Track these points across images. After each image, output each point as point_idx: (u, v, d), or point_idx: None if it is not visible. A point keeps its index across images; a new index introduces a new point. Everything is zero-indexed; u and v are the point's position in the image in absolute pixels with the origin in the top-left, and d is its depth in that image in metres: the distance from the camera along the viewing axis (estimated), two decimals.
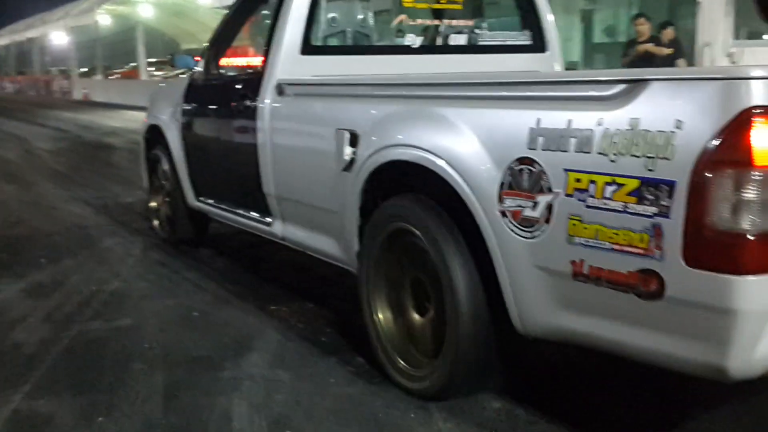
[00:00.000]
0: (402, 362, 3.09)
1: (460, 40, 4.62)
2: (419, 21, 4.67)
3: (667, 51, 9.79)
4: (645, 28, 10.06)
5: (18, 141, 14.92)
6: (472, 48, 4.64)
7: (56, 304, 4.38)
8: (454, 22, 4.62)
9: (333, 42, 4.38)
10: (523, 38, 4.73)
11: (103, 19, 37.17)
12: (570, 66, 15.66)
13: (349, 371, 3.30)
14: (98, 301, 4.43)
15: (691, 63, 10.55)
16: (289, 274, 4.94)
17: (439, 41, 4.65)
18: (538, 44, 4.78)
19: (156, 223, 5.96)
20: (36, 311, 4.27)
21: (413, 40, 4.49)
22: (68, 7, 41.61)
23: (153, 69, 34.29)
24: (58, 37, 43.03)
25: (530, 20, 4.75)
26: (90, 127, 18.59)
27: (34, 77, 47.84)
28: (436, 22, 4.67)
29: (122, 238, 6.08)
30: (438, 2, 4.57)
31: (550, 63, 4.80)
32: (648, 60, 9.47)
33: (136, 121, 18.04)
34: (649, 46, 9.85)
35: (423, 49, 4.52)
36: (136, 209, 7.19)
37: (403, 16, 4.64)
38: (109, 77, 37.23)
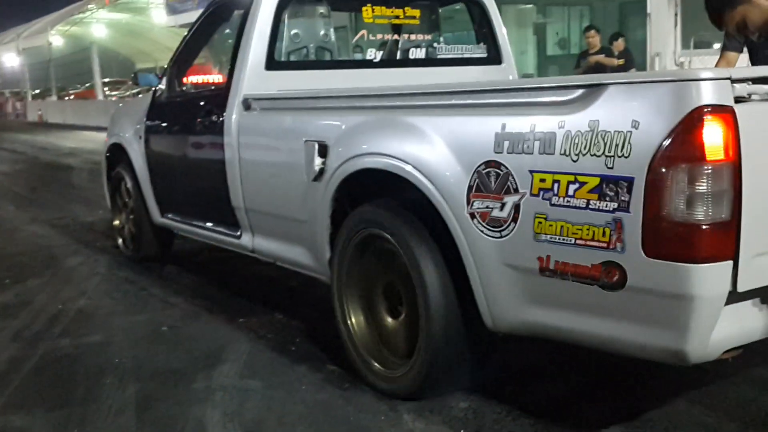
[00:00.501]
0: (376, 365, 3.18)
1: (418, 53, 4.76)
2: (379, 36, 4.79)
3: (617, 62, 10.06)
4: (596, 39, 10.32)
5: None
6: (430, 61, 4.78)
7: (24, 324, 4.39)
8: (413, 37, 4.75)
9: (296, 57, 4.46)
10: (479, 51, 4.90)
11: (56, 40, 36.88)
12: (525, 77, 15.96)
13: (320, 378, 3.37)
14: (66, 319, 4.44)
15: None
16: (258, 287, 4.99)
17: (398, 55, 4.77)
18: (494, 56, 4.94)
19: (120, 241, 5.98)
20: (3, 331, 4.27)
21: (374, 54, 4.62)
22: (20, 29, 41.20)
23: (108, 89, 34.05)
24: (10, 58, 42.54)
25: (485, 34, 4.92)
26: (47, 148, 18.43)
27: None
28: (395, 36, 4.79)
29: (86, 257, 6.09)
30: (396, 18, 4.69)
31: (505, 74, 4.96)
32: (599, 71, 9.70)
33: (93, 141, 17.98)
34: (600, 57, 10.10)
35: (383, 63, 4.65)
36: (98, 228, 7.19)
37: (363, 32, 4.76)
38: (64, 98, 36.89)
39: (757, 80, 2.21)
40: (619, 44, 10.40)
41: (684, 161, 2.11)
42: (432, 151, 2.81)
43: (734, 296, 2.19)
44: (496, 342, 2.89)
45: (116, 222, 6.03)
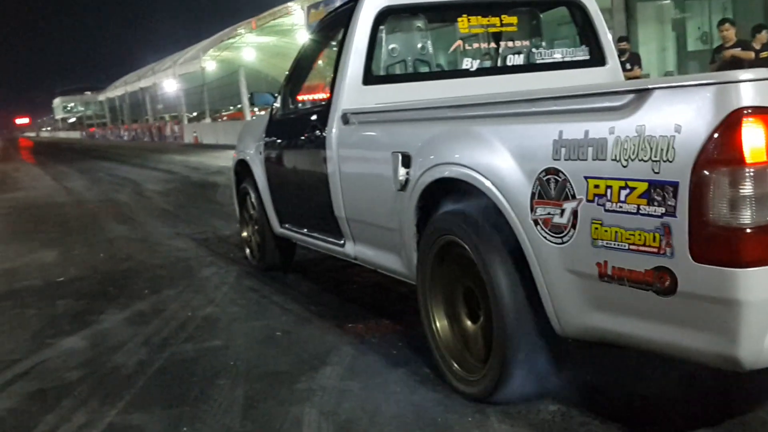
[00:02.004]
0: (458, 367, 3.28)
1: (517, 60, 4.78)
2: (476, 45, 4.85)
3: (752, 55, 9.63)
4: (730, 33, 9.94)
5: (131, 184, 15.80)
6: (530, 67, 4.77)
7: (155, 330, 4.74)
8: (511, 44, 4.78)
9: (394, 71, 4.58)
10: (581, 54, 4.83)
11: (209, 65, 38.79)
12: (666, 75, 15.46)
13: (415, 380, 3.48)
14: (192, 326, 4.76)
15: None
16: (369, 293, 5.17)
17: (497, 62, 4.81)
18: (597, 58, 4.88)
19: (248, 251, 6.36)
20: (136, 337, 4.63)
21: (471, 63, 4.67)
22: (176, 56, 43.58)
23: (257, 109, 35.45)
24: (168, 84, 45.06)
25: (587, 35, 4.86)
26: (198, 168, 19.46)
27: (148, 124, 50.14)
28: (493, 45, 4.84)
29: (219, 268, 6.47)
30: (493, 26, 4.73)
31: (611, 75, 4.88)
32: (736, 65, 9.33)
33: None
34: (736, 51, 9.72)
35: (481, 72, 4.69)
36: (233, 241, 7.59)
37: (459, 42, 4.83)
38: (218, 120, 38.76)
39: None
40: (762, 37, 9.95)
41: (724, 164, 2.10)
42: (498, 159, 2.89)
43: None
44: (569, 347, 2.91)
45: (244, 234, 6.42)
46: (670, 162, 2.21)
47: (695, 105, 2.18)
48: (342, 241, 4.54)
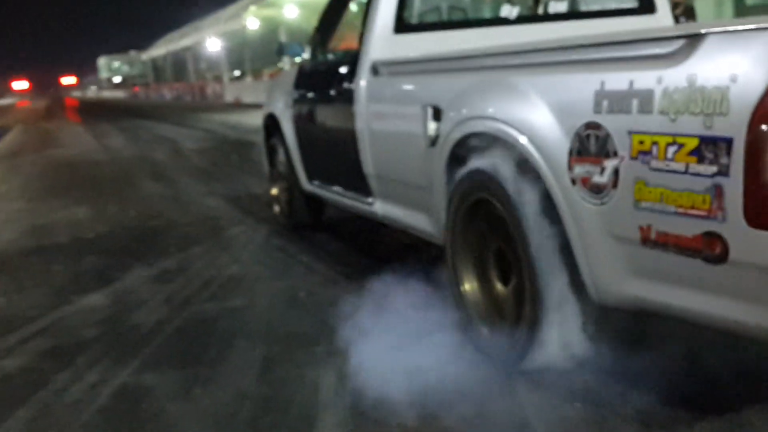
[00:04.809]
0: (487, 331, 3.09)
1: (560, 7, 4.49)
2: None
3: None
4: None
5: (169, 143, 15.76)
6: (573, 15, 4.47)
7: (177, 289, 4.61)
8: None
9: (428, 19, 4.35)
10: (629, 1, 4.52)
11: (251, 22, 38.55)
12: None
13: (440, 345, 3.25)
14: (216, 285, 4.62)
15: None
16: (399, 254, 4.95)
17: (537, 10, 4.54)
18: (646, 5, 4.54)
19: (277, 208, 6.17)
20: (157, 295, 4.50)
21: (510, 11, 4.41)
22: (218, 14, 43.44)
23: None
24: (211, 43, 45.00)
25: None
26: (236, 126, 19.36)
27: (190, 84, 50.30)
28: None
29: (248, 226, 6.32)
30: None
31: (661, 24, 4.52)
32: None
33: None
34: None
35: (521, 20, 4.41)
36: (264, 199, 7.42)
37: None
38: (259, 79, 38.63)
39: None
40: None
41: None
42: (533, 112, 2.67)
43: None
44: (607, 316, 2.67)
45: (273, 191, 6.22)
46: (725, 116, 1.97)
47: (754, 52, 1.94)
48: (370, 200, 4.35)
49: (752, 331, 2.08)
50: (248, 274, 4.82)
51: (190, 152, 13.52)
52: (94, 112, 39.22)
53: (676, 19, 8.56)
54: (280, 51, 5.84)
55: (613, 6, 4.52)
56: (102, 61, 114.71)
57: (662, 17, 4.59)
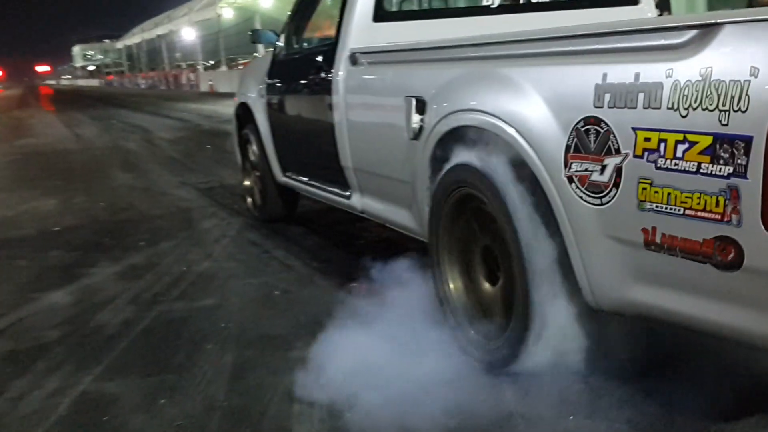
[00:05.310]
0: (473, 333, 2.93)
1: None
2: None
3: None
4: None
5: (142, 132, 15.45)
6: (555, 4, 4.34)
7: (146, 286, 4.39)
8: None
9: (408, 6, 4.22)
10: None
11: (225, 12, 38.13)
12: None
13: (424, 347, 3.06)
14: (186, 282, 4.41)
15: None
16: (378, 250, 4.75)
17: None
18: None
19: (249, 201, 6.02)
20: (124, 293, 4.28)
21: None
22: (192, 3, 42.97)
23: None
24: (185, 32, 44.53)
25: None
26: (211, 116, 19.06)
27: (164, 72, 49.78)
28: None
29: (221, 219, 6.11)
30: None
31: (644, 15, 4.43)
32: None
33: None
34: None
35: (503, 9, 4.28)
36: (238, 191, 7.20)
37: None
38: (233, 68, 38.22)
39: None
40: None
41: None
42: (527, 106, 2.50)
43: None
44: (601, 320, 2.50)
45: (246, 182, 6.06)
46: (743, 112, 1.80)
47: None
48: (348, 193, 4.19)
49: (766, 342, 1.94)
50: (220, 271, 4.61)
51: (163, 142, 13.23)
52: (68, 100, 38.62)
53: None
54: (254, 38, 5.64)
55: None
56: (76, 50, 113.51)
57: (645, 8, 4.48)
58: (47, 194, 8.03)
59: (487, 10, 4.27)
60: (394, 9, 4.21)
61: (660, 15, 10.17)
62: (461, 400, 2.61)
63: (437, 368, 2.84)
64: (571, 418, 2.49)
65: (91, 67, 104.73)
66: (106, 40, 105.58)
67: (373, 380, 2.79)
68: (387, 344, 3.16)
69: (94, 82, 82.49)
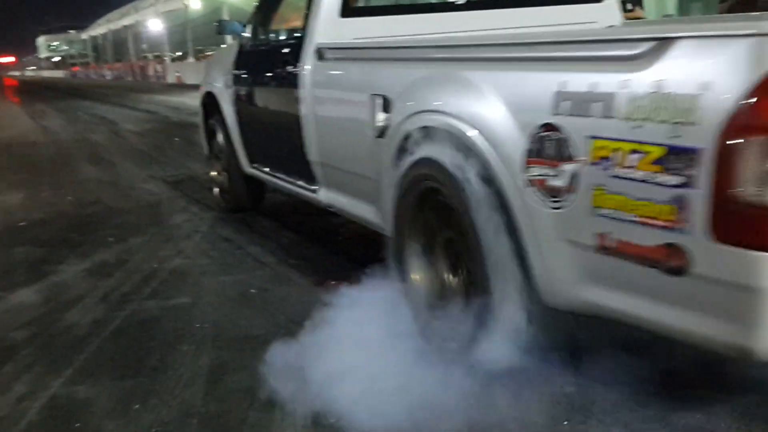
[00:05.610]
0: (434, 322, 2.91)
1: None
2: None
3: None
4: None
5: (108, 124, 15.19)
6: (522, 2, 4.33)
7: (116, 284, 4.26)
8: None
9: (375, 2, 4.27)
10: None
11: (192, 2, 37.71)
12: (666, 17, 14.79)
13: (402, 343, 2.99)
14: (158, 279, 4.29)
15: None
16: (355, 246, 4.68)
17: None
18: None
19: (216, 191, 5.98)
20: (94, 291, 4.15)
21: None
22: None
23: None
24: (152, 23, 43.98)
25: None
26: (179, 108, 18.78)
27: (131, 64, 49.16)
28: None
29: (192, 214, 5.97)
30: None
31: (606, 13, 4.47)
32: (750, 4, 8.76)
33: None
34: None
35: (471, 5, 4.26)
36: (208, 185, 7.07)
37: None
38: (201, 59, 37.79)
39: None
40: None
41: (759, 131, 1.76)
42: (489, 110, 2.54)
43: None
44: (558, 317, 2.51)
45: (212, 172, 6.01)
46: (694, 125, 1.86)
47: (729, 59, 1.83)
48: (315, 187, 4.17)
49: (708, 342, 2.01)
50: (193, 268, 4.48)
51: (130, 134, 13.01)
52: (33, 91, 38.00)
53: (623, 4, 8.67)
54: (220, 29, 5.60)
55: None
56: (41, 41, 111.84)
57: (609, 6, 4.53)
58: (12, 188, 7.84)
59: (453, 7, 4.29)
60: (362, 4, 4.23)
61: (631, 10, 10.18)
62: (452, 405, 2.52)
63: (426, 372, 2.74)
64: (565, 423, 2.42)
65: (57, 58, 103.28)
66: (72, 31, 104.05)
67: (359, 384, 2.70)
68: (369, 345, 3.08)
69: (59, 74, 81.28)
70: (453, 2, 4.32)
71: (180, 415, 2.67)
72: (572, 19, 4.31)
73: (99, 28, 64.48)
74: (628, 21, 4.75)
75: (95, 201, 6.86)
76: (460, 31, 3.67)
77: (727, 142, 1.79)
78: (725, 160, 1.80)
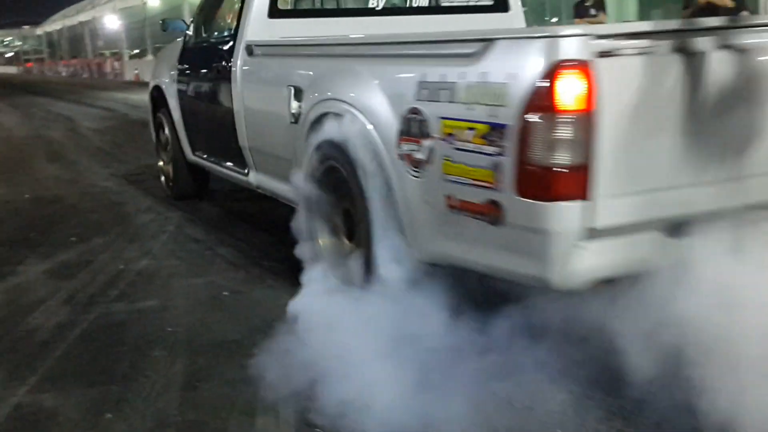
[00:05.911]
0: (333, 278, 3.36)
1: (422, 1, 4.96)
2: None
3: (729, 3, 9.10)
4: None
5: (65, 121, 14.83)
6: (434, 9, 4.98)
7: (80, 285, 4.10)
8: None
9: (300, 6, 4.83)
10: None
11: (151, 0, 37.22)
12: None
13: (389, 352, 2.88)
14: (125, 281, 4.14)
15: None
16: None
17: (402, 3, 4.95)
18: (500, 4, 5.11)
19: (163, 179, 6.35)
20: (58, 293, 3.99)
21: (377, 2, 4.82)
22: None
23: None
24: (109, 20, 43.29)
25: None
26: (138, 106, 18.39)
27: (87, 60, 48.34)
28: None
29: (157, 213, 5.79)
30: None
31: (512, 22, 5.10)
32: (712, 11, 8.81)
33: None
34: None
35: (386, 11, 4.86)
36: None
37: None
38: None
39: (627, 35, 2.39)
40: None
41: (542, 111, 2.31)
42: (373, 97, 3.09)
43: (596, 233, 2.39)
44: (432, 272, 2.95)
45: (160, 162, 6.39)
46: (504, 107, 2.41)
47: (527, 56, 2.38)
48: (246, 170, 4.63)
49: (522, 278, 2.54)
50: (161, 269, 4.33)
51: (89, 132, 12.71)
52: None
53: (587, 10, 9.01)
54: (164, 27, 6.08)
55: (472, 3, 5.01)
56: None
57: (514, 15, 5.17)
58: None
59: (371, 12, 4.85)
60: (288, 7, 4.70)
61: (595, 15, 10.18)
62: (443, 414, 2.44)
63: (413, 378, 2.65)
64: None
65: (10, 54, 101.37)
66: (26, 27, 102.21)
67: (343, 388, 2.59)
68: (351, 349, 2.97)
69: (12, 70, 79.66)
70: (372, 8, 4.87)
71: (155, 424, 2.54)
72: (483, 26, 4.84)
73: (54, 24, 63.37)
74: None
75: (55, 200, 6.64)
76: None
77: (522, 120, 2.34)
78: (521, 133, 2.35)
